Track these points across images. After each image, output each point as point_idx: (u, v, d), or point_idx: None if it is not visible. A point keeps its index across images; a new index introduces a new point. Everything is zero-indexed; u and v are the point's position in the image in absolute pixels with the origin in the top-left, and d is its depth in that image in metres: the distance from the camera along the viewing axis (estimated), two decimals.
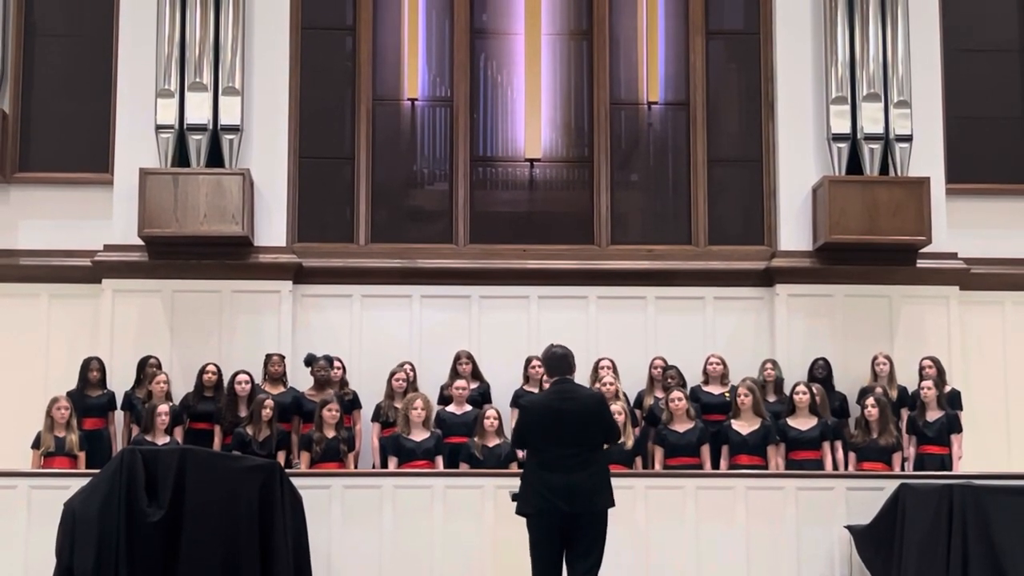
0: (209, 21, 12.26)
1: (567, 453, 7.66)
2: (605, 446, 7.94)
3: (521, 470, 8.17)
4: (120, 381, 11.73)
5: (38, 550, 9.53)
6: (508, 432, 11.14)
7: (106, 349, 12.00)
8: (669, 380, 11.52)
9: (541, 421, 7.77)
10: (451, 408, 11.25)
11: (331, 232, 12.80)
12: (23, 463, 10.71)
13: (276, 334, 12.20)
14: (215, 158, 12.19)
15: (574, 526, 7.68)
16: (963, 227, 12.66)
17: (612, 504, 7.81)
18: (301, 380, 11.69)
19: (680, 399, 10.81)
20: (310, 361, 11.49)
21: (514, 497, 7.89)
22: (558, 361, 7.95)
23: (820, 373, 11.86)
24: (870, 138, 12.35)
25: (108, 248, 12.30)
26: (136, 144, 12.24)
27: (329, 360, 11.53)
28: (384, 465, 10.77)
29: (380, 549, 9.91)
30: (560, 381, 7.90)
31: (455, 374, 11.67)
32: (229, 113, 12.18)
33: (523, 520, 7.83)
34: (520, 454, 10.60)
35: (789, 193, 12.64)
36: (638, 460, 10.72)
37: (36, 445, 10.69)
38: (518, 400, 11.02)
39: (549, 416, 7.76)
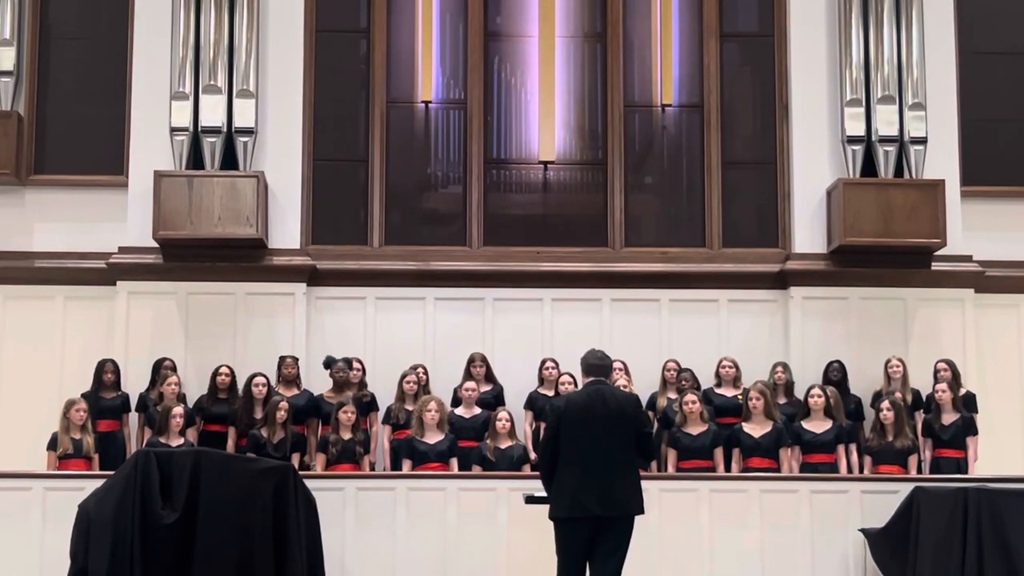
0: (223, 24, 12.29)
1: (601, 455, 7.47)
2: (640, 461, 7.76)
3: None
4: (135, 383, 11.76)
5: (53, 552, 9.54)
6: (520, 435, 11.17)
7: (121, 351, 12.03)
8: (684, 383, 11.50)
9: (576, 421, 7.53)
10: (460, 411, 11.22)
11: (345, 234, 12.81)
12: (38, 465, 10.73)
13: (290, 336, 12.22)
14: (229, 160, 12.21)
15: (603, 529, 7.49)
16: (978, 230, 12.62)
17: (642, 511, 7.61)
18: (315, 382, 11.70)
19: (694, 402, 10.79)
20: (329, 363, 11.50)
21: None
22: (597, 364, 7.80)
23: (835, 376, 11.84)
24: (885, 140, 12.32)
25: (123, 250, 12.32)
26: (151, 146, 12.28)
27: (348, 362, 11.54)
28: (395, 467, 10.76)
29: (394, 551, 9.90)
30: (595, 383, 7.72)
31: (468, 376, 11.65)
32: (243, 115, 12.21)
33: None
34: (532, 456, 10.59)
35: (803, 195, 12.62)
36: (652, 462, 10.68)
37: (51, 447, 10.70)
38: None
39: (585, 416, 7.53)
